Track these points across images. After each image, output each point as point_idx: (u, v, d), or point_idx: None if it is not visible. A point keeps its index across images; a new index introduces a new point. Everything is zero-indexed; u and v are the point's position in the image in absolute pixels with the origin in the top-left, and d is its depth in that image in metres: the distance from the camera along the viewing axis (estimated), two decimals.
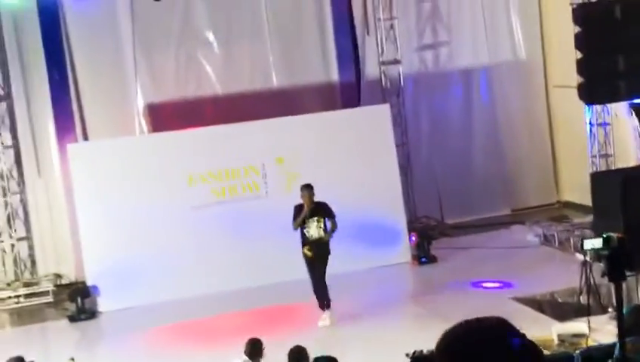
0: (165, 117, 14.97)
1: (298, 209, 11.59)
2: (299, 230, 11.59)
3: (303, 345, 8.33)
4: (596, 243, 3.39)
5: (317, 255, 11.50)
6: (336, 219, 11.61)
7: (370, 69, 15.69)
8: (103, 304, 13.20)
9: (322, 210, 11.55)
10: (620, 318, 3.59)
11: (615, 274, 3.37)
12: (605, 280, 10.02)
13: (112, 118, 14.94)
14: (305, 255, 11.57)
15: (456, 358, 1.67)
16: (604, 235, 3.46)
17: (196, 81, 15.20)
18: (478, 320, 1.95)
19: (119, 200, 13.32)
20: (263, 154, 13.86)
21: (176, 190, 13.55)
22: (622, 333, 3.63)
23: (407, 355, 2.15)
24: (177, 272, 13.21)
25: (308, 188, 11.64)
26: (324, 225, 11.55)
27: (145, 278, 13.15)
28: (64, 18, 14.59)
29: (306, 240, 11.55)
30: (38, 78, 14.57)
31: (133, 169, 13.53)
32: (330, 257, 11.58)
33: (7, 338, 12.59)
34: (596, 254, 10.33)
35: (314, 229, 11.51)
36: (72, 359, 8.42)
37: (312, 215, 11.48)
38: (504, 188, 16.24)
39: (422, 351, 1.93)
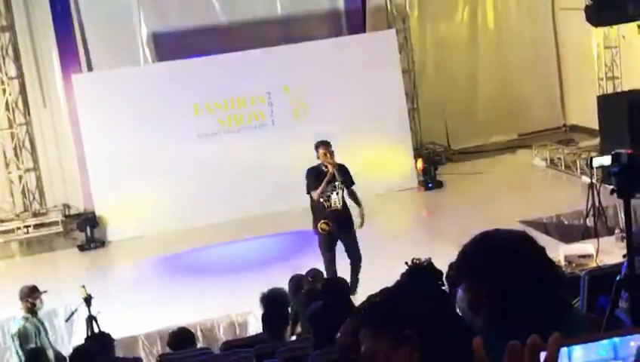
0: (169, 46, 14.85)
1: (313, 173, 9.41)
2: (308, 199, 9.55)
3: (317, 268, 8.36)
4: (605, 160, 3.38)
5: (340, 229, 9.35)
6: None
7: None
8: (112, 233, 13.31)
9: (343, 174, 9.38)
10: (628, 234, 3.60)
11: (624, 190, 3.37)
12: (611, 201, 10.08)
13: (115, 47, 14.81)
14: (321, 230, 9.33)
15: (486, 254, 1.69)
16: (613, 152, 3.45)
17: (200, 10, 15.03)
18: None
19: (125, 130, 13.32)
20: (268, 83, 13.79)
21: (182, 119, 13.54)
22: (630, 250, 3.65)
23: (406, 263, 2.17)
24: (184, 201, 13.29)
25: (325, 145, 9.33)
26: (343, 193, 9.41)
27: (152, 207, 13.23)
28: None
29: (321, 213, 9.35)
30: (41, 8, 14.44)
31: (138, 99, 13.49)
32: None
33: (18, 268, 12.74)
34: (604, 175, 10.36)
35: (334, 196, 9.30)
36: (83, 287, 8.50)
37: (332, 180, 9.31)
38: (510, 112, 16.16)
39: (420, 259, 1.94)
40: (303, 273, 8.55)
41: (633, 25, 13.00)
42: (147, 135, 13.35)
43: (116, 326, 8.86)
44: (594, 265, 8.71)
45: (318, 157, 9.29)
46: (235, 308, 9.75)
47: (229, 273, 11.15)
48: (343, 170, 9.37)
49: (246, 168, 13.53)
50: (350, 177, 9.44)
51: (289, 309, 6.90)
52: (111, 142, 13.26)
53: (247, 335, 9.08)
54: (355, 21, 15.42)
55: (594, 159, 3.13)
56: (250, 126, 13.83)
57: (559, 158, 14.13)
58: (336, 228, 9.27)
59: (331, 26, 15.35)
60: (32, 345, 8.03)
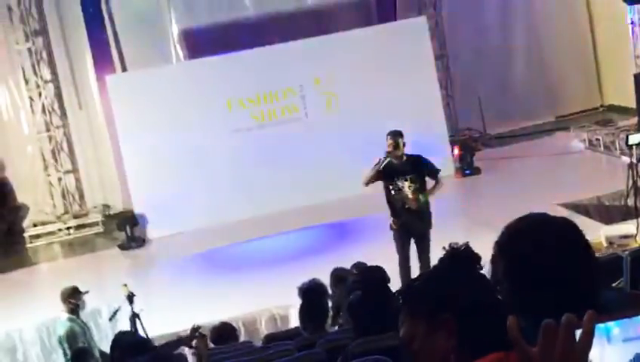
0: (200, 43, 14.91)
1: (381, 162, 8.73)
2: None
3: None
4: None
5: (412, 227, 8.66)
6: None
7: None
8: (152, 231, 13.41)
9: (418, 166, 8.62)
10: None
11: None
12: None
13: (147, 46, 14.92)
14: (392, 227, 8.76)
15: (525, 240, 1.67)
16: None
17: (229, 5, 15.06)
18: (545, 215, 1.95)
19: (160, 128, 13.40)
20: (300, 76, 13.79)
21: (215, 115, 13.60)
22: None
23: (444, 248, 2.15)
24: (221, 197, 13.34)
25: (394, 135, 8.67)
26: (421, 187, 8.62)
27: (190, 204, 13.29)
28: None
29: (394, 208, 8.68)
30: (72, 11, 14.60)
31: (172, 97, 13.56)
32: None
33: (61, 269, 12.89)
34: None
35: (406, 191, 8.58)
36: (125, 285, 8.55)
37: (401, 172, 8.58)
38: (546, 94, 16.00)
39: (457, 243, 1.91)
40: (344, 265, 8.54)
41: None
42: (182, 132, 13.42)
43: (159, 323, 8.92)
44: (636, 245, 8.60)
45: (387, 147, 8.64)
46: (275, 301, 9.77)
47: (269, 267, 11.16)
48: (417, 160, 8.63)
49: (282, 162, 13.54)
50: (429, 165, 8.64)
51: (328, 301, 6.89)
52: (147, 141, 13.35)
53: (289, 328, 9.09)
54: (385, 9, 15.35)
55: (630, 137, 3.06)
56: (283, 119, 13.84)
57: (597, 139, 13.95)
58: (410, 227, 8.61)
59: (362, 15, 15.31)
60: (80, 345, 8.10)
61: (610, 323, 1.24)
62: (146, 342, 6.31)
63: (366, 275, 5.33)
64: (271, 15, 15.06)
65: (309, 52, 13.89)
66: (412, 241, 8.71)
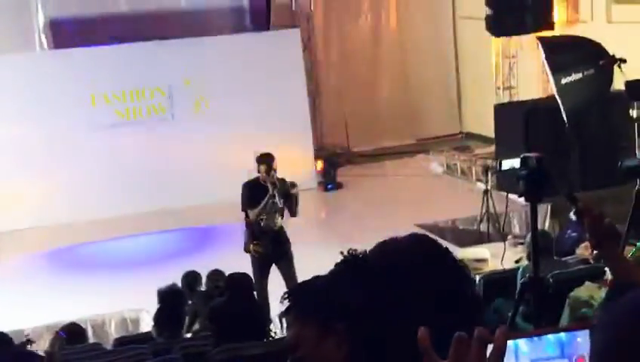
0: (68, 34, 14.45)
1: (249, 188, 8.48)
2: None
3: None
4: (515, 162, 3.41)
5: (276, 251, 8.46)
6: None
7: None
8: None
9: (283, 189, 8.42)
10: (534, 237, 3.65)
11: (532, 194, 3.40)
12: (503, 208, 10.29)
13: (11, 33, 14.32)
14: (255, 253, 8.44)
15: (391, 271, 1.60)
16: (522, 155, 3.49)
17: None
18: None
19: (18, 117, 12.92)
20: (169, 76, 13.60)
21: (78, 109, 13.20)
22: (536, 253, 3.70)
23: (341, 253, 2.13)
24: (78, 193, 12.94)
25: (269, 161, 8.38)
26: (282, 212, 8.49)
27: (43, 198, 12.85)
28: None
29: (256, 234, 8.46)
30: None
31: (32, 86, 13.06)
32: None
33: None
34: (499, 181, 10.61)
35: (274, 217, 8.42)
36: None
37: (271, 196, 8.38)
38: (409, 117, 16.37)
39: (356, 250, 1.89)
40: (199, 270, 8.45)
41: (531, 36, 13.31)
42: (41, 124, 12.96)
43: (1, 319, 8.55)
44: (488, 269, 8.88)
45: (259, 172, 8.41)
46: (126, 304, 9.55)
47: (122, 269, 10.93)
48: (283, 184, 8.44)
49: (144, 161, 13.29)
50: (289, 188, 8.47)
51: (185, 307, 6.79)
52: (3, 130, 12.81)
53: (139, 332, 8.89)
54: (259, 18, 15.34)
55: (503, 161, 3.13)
56: (149, 119, 13.59)
57: (455, 164, 14.38)
58: (272, 250, 8.44)
59: (235, 21, 15.24)
60: None
61: (520, 341, 1.24)
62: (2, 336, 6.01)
63: (232, 282, 5.26)
64: (144, 12, 14.76)
65: (180, 53, 13.70)
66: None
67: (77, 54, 13.54)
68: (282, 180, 8.47)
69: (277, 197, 8.31)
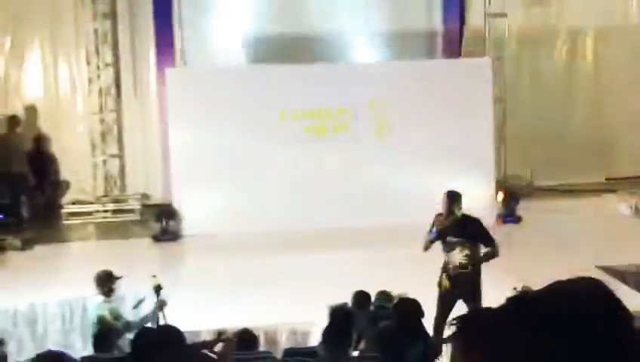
0: (265, 50, 14.97)
1: (433, 220, 8.53)
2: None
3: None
4: None
5: (459, 288, 8.31)
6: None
7: (475, 19, 15.35)
8: (187, 228, 13.42)
9: (471, 231, 8.31)
10: None
11: None
12: None
13: (212, 45, 15.02)
14: (439, 285, 8.48)
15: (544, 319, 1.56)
16: None
17: (298, 18, 15.11)
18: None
19: (212, 127, 13.46)
20: (356, 97, 13.78)
21: (267, 123, 13.61)
22: None
23: (514, 289, 2.07)
24: (262, 205, 13.35)
25: (451, 197, 8.37)
26: (473, 252, 8.31)
27: (229, 207, 13.31)
28: None
29: (445, 267, 8.42)
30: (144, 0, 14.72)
31: (228, 98, 13.61)
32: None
33: (94, 251, 12.96)
34: None
35: (456, 255, 8.30)
36: (154, 276, 8.54)
37: (456, 234, 8.30)
38: (599, 154, 15.82)
39: (529, 287, 1.84)
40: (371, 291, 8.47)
41: None
42: (233, 135, 13.46)
43: (181, 319, 8.89)
44: None
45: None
46: (299, 317, 9.72)
47: (298, 282, 11.11)
48: (471, 224, 8.31)
49: (325, 179, 13.53)
50: (484, 233, 8.33)
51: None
52: (197, 138, 13.40)
53: (308, 345, 9.03)
54: (451, 43, 15.30)
55: None
56: (333, 138, 13.82)
57: None
58: (459, 289, 8.28)
59: (427, 46, 15.27)
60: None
61: None
62: (176, 335, 6.27)
63: (401, 305, 5.26)
64: (338, 34, 15.09)
65: (369, 75, 13.89)
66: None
67: (271, 70, 14.00)
68: (472, 219, 8.37)
69: (449, 231, 8.26)
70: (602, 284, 1.62)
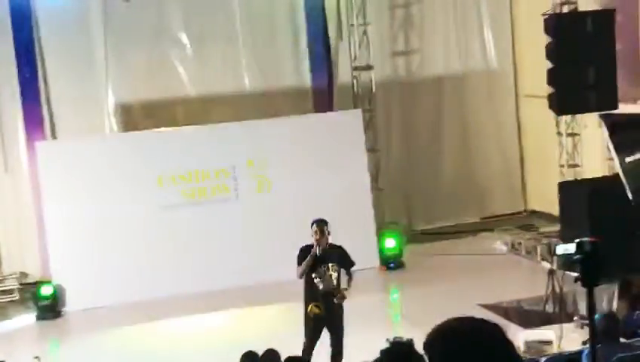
0: (136, 117, 14.91)
1: (305, 251, 8.90)
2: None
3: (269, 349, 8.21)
4: (569, 248, 3.41)
5: (330, 312, 8.80)
6: None
7: (343, 74, 15.70)
8: (70, 303, 13.09)
9: (339, 256, 8.90)
10: (591, 323, 3.62)
11: (588, 279, 3.40)
12: (571, 288, 10.15)
13: (82, 116, 14.82)
14: (311, 313, 8.79)
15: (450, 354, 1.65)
16: (577, 240, 3.49)
17: (168, 82, 15.13)
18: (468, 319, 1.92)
19: (87, 198, 13.25)
20: (233, 157, 13.85)
21: (145, 190, 13.50)
22: (593, 339, 3.67)
23: (387, 340, 2.13)
24: (145, 272, 13.16)
25: (321, 224, 8.94)
26: (339, 276, 8.85)
27: (112, 278, 13.07)
28: (36, 17, 14.46)
29: (313, 294, 8.81)
30: (8, 74, 14.42)
31: (102, 168, 13.44)
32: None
33: None
34: (565, 262, 10.44)
35: (328, 279, 8.79)
36: (37, 358, 8.32)
37: (324, 260, 8.82)
38: (473, 195, 16.35)
39: (401, 338, 1.90)
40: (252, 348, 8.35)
41: (595, 114, 13.25)
42: (110, 204, 13.27)
43: None
44: (554, 351, 8.72)
45: (313, 235, 8.89)
46: None
47: (185, 347, 10.99)
48: (338, 250, 8.91)
49: (209, 241, 13.48)
50: (348, 259, 8.93)
51: None
52: (72, 211, 13.15)
53: None
54: (321, 99, 15.58)
55: (557, 246, 3.14)
56: (213, 199, 13.81)
57: (520, 243, 14.25)
58: (329, 315, 8.78)
59: (298, 103, 15.50)
60: None
61: None
62: None
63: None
64: (209, 95, 15.17)
65: (244, 134, 13.99)
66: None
67: (144, 137, 13.93)
68: (337, 246, 8.92)
69: (324, 257, 8.74)
70: (483, 320, 1.71)
